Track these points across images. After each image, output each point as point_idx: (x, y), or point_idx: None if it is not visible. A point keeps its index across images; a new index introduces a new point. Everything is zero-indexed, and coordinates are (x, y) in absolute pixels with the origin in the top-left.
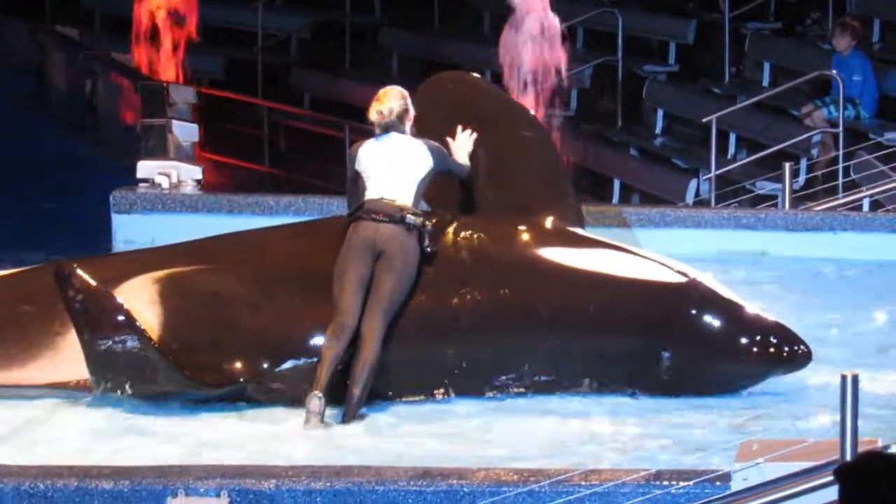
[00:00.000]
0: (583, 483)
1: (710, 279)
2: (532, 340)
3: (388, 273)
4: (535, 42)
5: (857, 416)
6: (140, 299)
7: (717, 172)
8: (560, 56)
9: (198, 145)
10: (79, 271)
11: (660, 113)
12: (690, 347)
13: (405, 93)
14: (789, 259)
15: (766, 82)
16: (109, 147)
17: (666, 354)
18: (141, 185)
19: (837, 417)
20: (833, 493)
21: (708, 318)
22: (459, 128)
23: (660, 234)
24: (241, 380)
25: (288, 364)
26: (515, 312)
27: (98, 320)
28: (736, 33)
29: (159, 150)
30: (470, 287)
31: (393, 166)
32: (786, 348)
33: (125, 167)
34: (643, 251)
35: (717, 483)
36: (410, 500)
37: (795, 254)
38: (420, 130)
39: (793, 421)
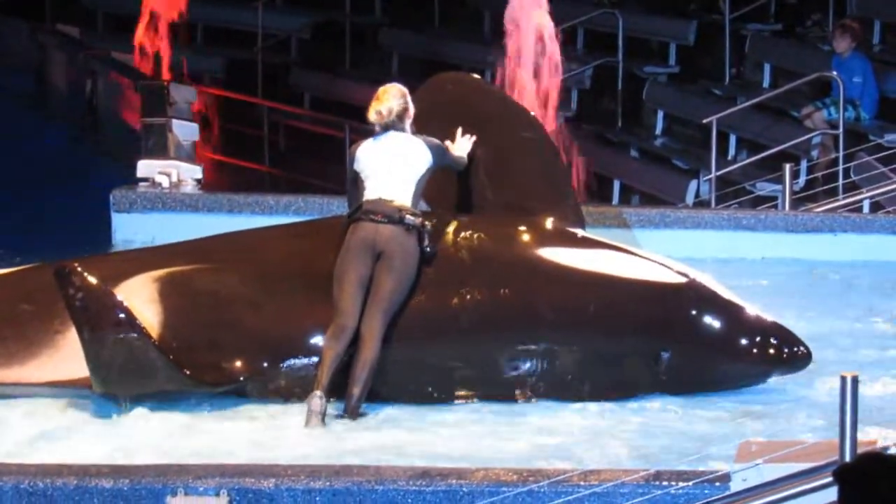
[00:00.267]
0: (582, 483)
1: (709, 280)
2: (532, 340)
3: (387, 273)
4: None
5: (856, 417)
6: (140, 298)
7: (718, 173)
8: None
9: (198, 144)
10: (79, 270)
11: (660, 114)
12: (690, 348)
13: (405, 91)
14: (789, 260)
15: (766, 84)
16: (109, 146)
17: (666, 355)
18: (141, 184)
19: (836, 418)
20: (832, 493)
21: (708, 319)
22: (459, 131)
23: (660, 234)
24: (241, 379)
25: (287, 363)
26: (515, 312)
27: (98, 319)
28: (736, 34)
29: (159, 150)
30: (470, 287)
31: (391, 166)
32: (785, 349)
33: (125, 166)
34: (643, 252)
35: (717, 484)
36: (410, 500)
37: (795, 255)
38: (419, 131)
39: (792, 421)
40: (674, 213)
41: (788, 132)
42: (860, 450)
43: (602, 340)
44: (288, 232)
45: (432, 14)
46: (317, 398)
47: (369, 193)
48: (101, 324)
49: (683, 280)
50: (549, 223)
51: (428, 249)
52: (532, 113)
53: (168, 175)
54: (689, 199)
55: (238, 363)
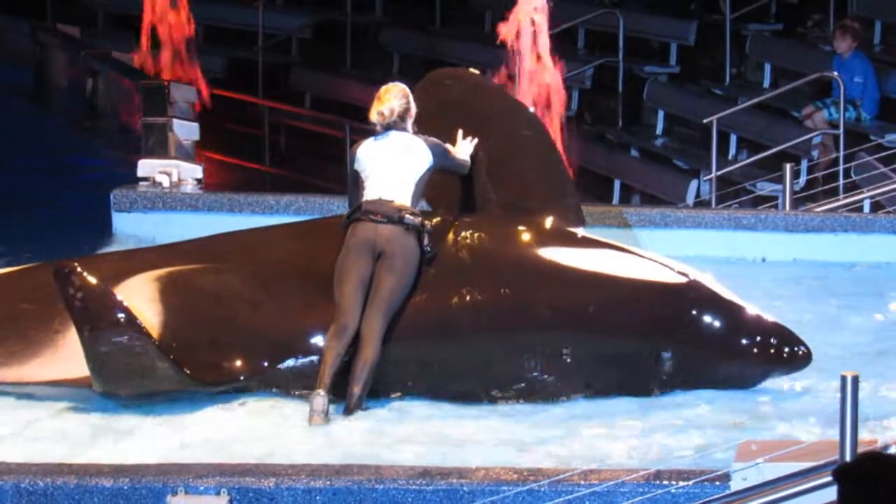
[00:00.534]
0: (582, 483)
1: (709, 280)
2: (532, 340)
3: (388, 273)
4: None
5: (856, 417)
6: (140, 297)
7: (718, 173)
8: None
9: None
10: (79, 269)
11: (660, 114)
12: (690, 348)
13: (407, 90)
14: (789, 260)
15: (766, 83)
16: (110, 145)
17: (666, 355)
18: (141, 183)
19: (837, 418)
20: (832, 493)
21: (708, 319)
22: (460, 132)
23: (660, 234)
24: (242, 378)
25: (287, 363)
26: (515, 312)
27: (98, 318)
28: (737, 34)
29: (160, 149)
30: (470, 287)
31: (391, 165)
32: (785, 349)
33: (125, 166)
34: (643, 252)
35: (717, 483)
36: (410, 499)
37: (796, 255)
38: (418, 128)
39: (792, 421)
40: (674, 213)
41: (789, 132)
42: (860, 450)
43: (603, 340)
44: (288, 231)
45: (433, 13)
46: (319, 397)
47: (369, 193)
48: (101, 324)
49: (684, 280)
50: (549, 223)
51: (428, 249)
52: (531, 109)
53: (168, 174)
54: (690, 198)
55: (238, 363)
